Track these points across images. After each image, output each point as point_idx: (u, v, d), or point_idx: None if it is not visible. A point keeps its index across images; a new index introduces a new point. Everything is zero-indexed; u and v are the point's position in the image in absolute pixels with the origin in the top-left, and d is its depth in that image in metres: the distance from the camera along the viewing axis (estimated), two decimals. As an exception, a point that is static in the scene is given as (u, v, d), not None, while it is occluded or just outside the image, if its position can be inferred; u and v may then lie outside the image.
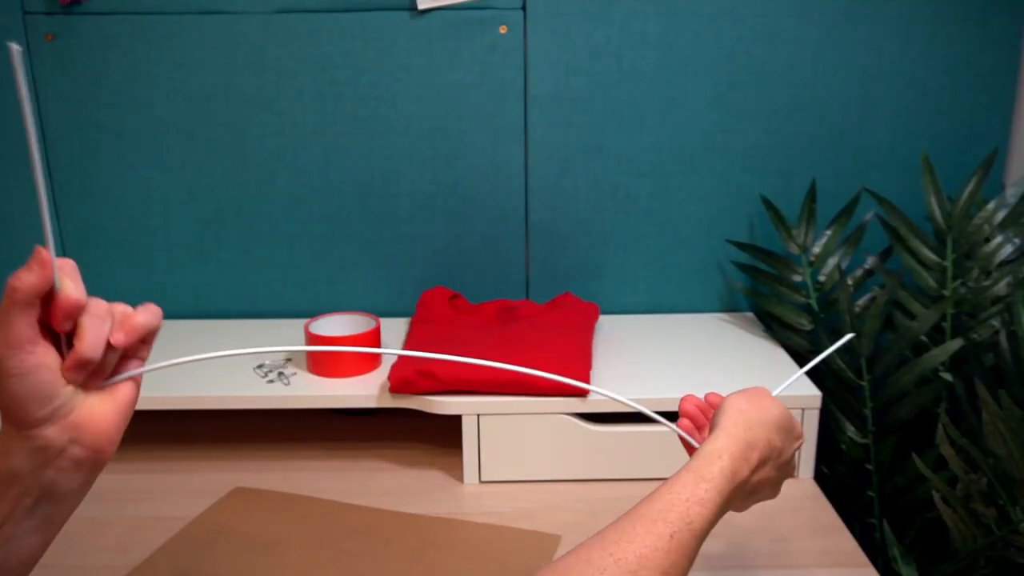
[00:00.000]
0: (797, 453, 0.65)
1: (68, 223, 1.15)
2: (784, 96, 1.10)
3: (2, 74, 1.08)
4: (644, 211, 1.15)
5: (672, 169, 1.13)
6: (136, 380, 0.51)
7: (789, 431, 0.62)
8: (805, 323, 1.07)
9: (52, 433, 0.46)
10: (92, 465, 0.49)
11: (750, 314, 1.18)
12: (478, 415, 0.90)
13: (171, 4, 1.06)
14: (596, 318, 1.10)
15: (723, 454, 0.56)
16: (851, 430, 0.99)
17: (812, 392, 0.91)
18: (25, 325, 0.44)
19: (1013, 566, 0.82)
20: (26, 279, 0.44)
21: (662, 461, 0.91)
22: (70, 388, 0.47)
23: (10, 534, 0.48)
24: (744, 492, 0.58)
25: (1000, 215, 1.01)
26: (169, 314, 1.17)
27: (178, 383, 0.95)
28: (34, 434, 0.46)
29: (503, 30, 1.07)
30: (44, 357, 0.45)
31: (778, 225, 1.10)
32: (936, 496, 0.82)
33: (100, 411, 0.49)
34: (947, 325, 0.99)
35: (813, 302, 1.08)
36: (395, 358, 0.97)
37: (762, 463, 0.59)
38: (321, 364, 0.96)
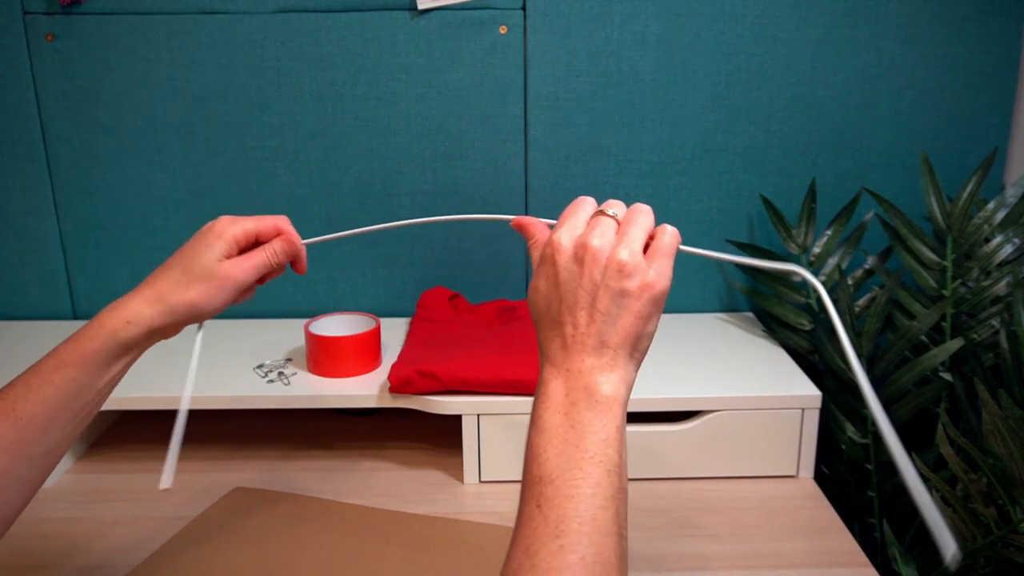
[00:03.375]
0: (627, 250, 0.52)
1: (68, 223, 1.15)
2: (784, 96, 1.10)
3: (2, 74, 1.08)
4: (644, 211, 1.15)
5: (672, 169, 1.13)
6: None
7: (541, 293, 0.53)
8: (805, 323, 1.08)
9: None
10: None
11: (750, 314, 1.18)
12: (478, 415, 0.90)
13: (171, 4, 1.06)
14: (596, 318, 1.10)
15: (543, 373, 0.53)
16: (851, 430, 0.99)
17: (812, 392, 0.91)
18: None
19: (1013, 566, 0.82)
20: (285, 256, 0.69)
21: (662, 461, 0.92)
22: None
23: (108, 390, 0.62)
24: (576, 371, 0.51)
25: (1000, 215, 1.01)
26: (169, 314, 1.17)
27: (178, 383, 0.95)
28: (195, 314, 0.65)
29: (503, 30, 1.07)
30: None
31: (778, 225, 1.10)
32: (936, 496, 0.82)
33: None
34: (947, 325, 0.99)
35: (813, 302, 1.08)
36: (395, 359, 0.97)
37: (549, 355, 0.53)
38: (321, 364, 0.96)
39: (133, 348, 0.62)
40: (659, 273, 0.52)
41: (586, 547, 0.45)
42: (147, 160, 1.12)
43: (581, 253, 0.52)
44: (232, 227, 0.66)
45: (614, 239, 0.53)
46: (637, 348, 0.52)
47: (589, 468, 0.48)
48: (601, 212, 0.54)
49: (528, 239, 0.59)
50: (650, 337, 0.53)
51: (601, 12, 1.07)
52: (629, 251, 0.52)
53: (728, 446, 0.91)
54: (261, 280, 0.70)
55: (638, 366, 0.53)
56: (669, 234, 0.54)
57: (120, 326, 0.61)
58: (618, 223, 0.54)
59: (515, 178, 1.13)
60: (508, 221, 0.61)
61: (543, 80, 1.09)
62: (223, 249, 0.65)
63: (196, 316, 0.64)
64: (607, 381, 0.50)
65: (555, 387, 0.51)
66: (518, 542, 0.47)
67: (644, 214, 0.54)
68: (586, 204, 0.56)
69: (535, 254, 0.56)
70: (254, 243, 0.67)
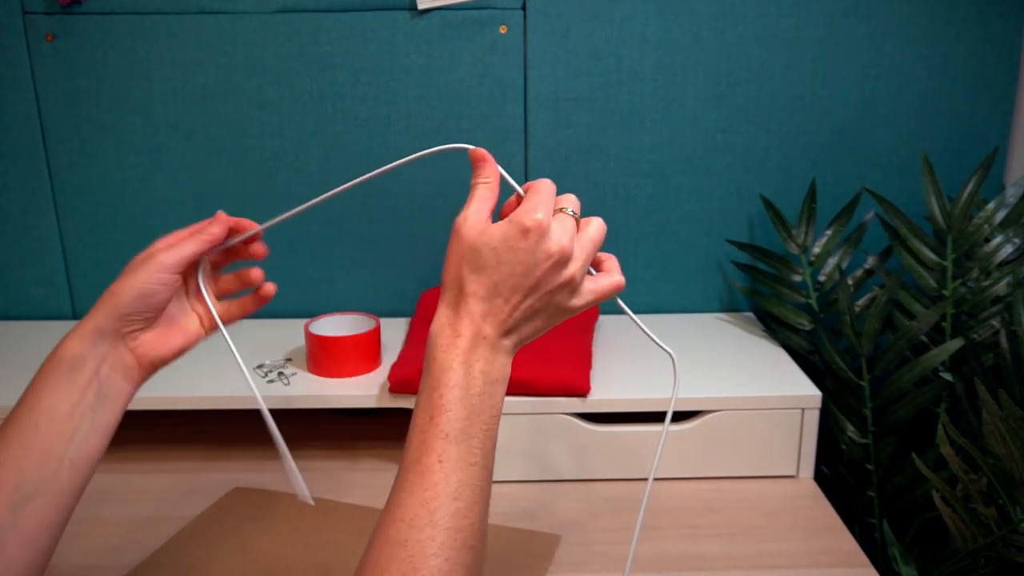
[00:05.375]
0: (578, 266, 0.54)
1: (68, 223, 1.15)
2: (784, 96, 1.10)
3: (2, 74, 1.08)
4: (644, 211, 1.15)
5: (672, 169, 1.13)
6: (203, 328, 0.68)
7: (497, 252, 0.52)
8: (805, 323, 1.08)
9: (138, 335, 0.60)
10: (136, 376, 0.60)
11: (750, 314, 1.18)
12: (478, 415, 0.90)
13: (171, 4, 1.06)
14: (596, 318, 1.10)
15: (430, 347, 0.53)
16: (851, 430, 0.99)
17: (812, 392, 0.91)
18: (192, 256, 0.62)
19: (1013, 566, 0.82)
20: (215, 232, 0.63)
21: (663, 461, 0.92)
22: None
23: (77, 426, 0.55)
24: (491, 343, 0.52)
25: (1000, 215, 1.01)
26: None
27: (177, 383, 0.95)
28: (124, 332, 0.59)
29: (503, 30, 1.07)
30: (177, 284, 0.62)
31: (778, 225, 1.10)
32: (936, 496, 0.82)
33: (167, 337, 0.63)
34: (947, 325, 0.99)
35: (813, 302, 1.08)
36: (395, 359, 0.96)
37: (472, 313, 0.52)
38: (321, 364, 0.96)
39: (83, 361, 0.57)
40: (585, 305, 0.56)
41: (476, 514, 0.50)
42: (147, 160, 1.12)
43: (558, 256, 0.53)
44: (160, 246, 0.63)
45: (581, 258, 0.54)
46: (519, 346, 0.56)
47: (485, 439, 0.51)
48: (562, 209, 0.55)
49: (479, 177, 0.57)
50: None
51: (601, 12, 1.07)
52: (583, 279, 0.55)
53: (728, 446, 0.91)
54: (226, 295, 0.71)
55: None
56: (612, 285, 0.57)
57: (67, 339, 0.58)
58: (576, 223, 0.55)
59: (515, 178, 1.12)
60: (466, 149, 0.58)
61: (543, 80, 1.09)
62: (149, 251, 0.62)
63: (131, 304, 0.59)
64: (508, 363, 0.54)
65: (478, 346, 0.52)
66: (414, 491, 0.49)
67: (599, 235, 0.56)
68: (551, 187, 0.55)
69: (482, 191, 0.56)
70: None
